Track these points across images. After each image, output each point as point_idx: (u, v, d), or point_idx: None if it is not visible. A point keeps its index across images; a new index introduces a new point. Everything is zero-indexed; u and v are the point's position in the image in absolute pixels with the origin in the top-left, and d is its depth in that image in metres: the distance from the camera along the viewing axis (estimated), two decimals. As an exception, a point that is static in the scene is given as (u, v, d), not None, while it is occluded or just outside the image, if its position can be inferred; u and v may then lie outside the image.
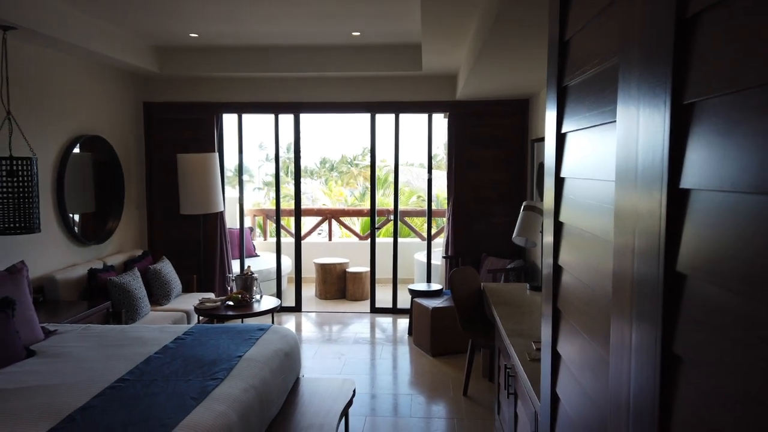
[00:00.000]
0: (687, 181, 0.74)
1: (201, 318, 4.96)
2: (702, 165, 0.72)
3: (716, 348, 0.69)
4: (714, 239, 0.69)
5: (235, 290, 5.24)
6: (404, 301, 6.20)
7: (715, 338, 0.69)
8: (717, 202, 0.69)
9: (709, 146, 0.71)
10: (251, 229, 8.01)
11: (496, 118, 5.95)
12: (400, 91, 5.99)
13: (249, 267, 5.49)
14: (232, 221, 8.36)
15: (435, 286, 5.60)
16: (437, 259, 6.59)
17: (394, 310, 6.43)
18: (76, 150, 5.09)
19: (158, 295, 5.18)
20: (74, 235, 4.84)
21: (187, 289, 5.70)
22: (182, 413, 2.19)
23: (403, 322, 6.03)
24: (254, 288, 5.23)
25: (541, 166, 5.12)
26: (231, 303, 4.97)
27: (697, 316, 0.72)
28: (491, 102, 5.88)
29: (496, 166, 5.98)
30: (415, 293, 5.46)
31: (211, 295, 5.57)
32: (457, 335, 4.90)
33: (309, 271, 7.87)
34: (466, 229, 6.02)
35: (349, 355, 5.01)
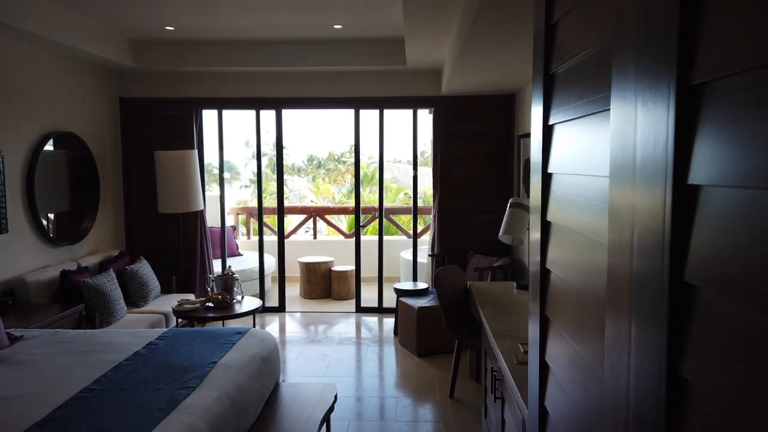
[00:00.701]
0: (696, 176, 0.63)
1: (179, 320, 4.81)
2: (715, 156, 0.60)
3: (733, 372, 0.57)
4: (730, 244, 0.58)
5: (215, 291, 5.09)
6: (390, 300, 6.09)
7: (730, 361, 0.58)
8: (733, 200, 0.58)
9: (723, 134, 0.59)
10: (234, 228, 7.85)
11: (481, 114, 5.85)
12: (384, 87, 5.87)
13: (230, 267, 5.35)
14: (216, 220, 8.20)
15: (421, 285, 5.49)
16: (423, 257, 6.49)
17: (379, 310, 6.32)
18: (49, 147, 4.91)
19: (135, 296, 5.02)
20: (46, 236, 4.67)
21: (166, 290, 5.54)
22: (149, 426, 2.06)
23: (389, 322, 5.92)
24: (235, 288, 5.09)
25: (528, 162, 5.03)
26: (211, 304, 4.82)
27: (710, 334, 0.61)
28: (477, 97, 5.77)
29: (482, 163, 5.88)
30: (400, 292, 5.35)
31: (191, 297, 5.42)
32: (443, 335, 4.80)
33: (293, 270, 7.74)
34: (452, 226, 5.91)
35: (333, 357, 4.89)
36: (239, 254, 7.61)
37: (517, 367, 2.56)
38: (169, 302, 5.10)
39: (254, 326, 5.07)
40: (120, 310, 4.56)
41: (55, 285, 4.44)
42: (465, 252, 5.80)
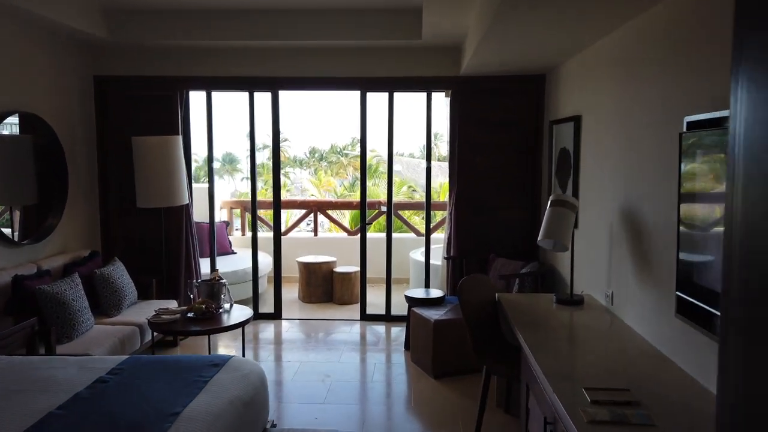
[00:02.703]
0: None
1: (155, 334, 4.12)
2: None
3: None
4: None
5: (199, 299, 4.40)
6: (399, 305, 5.39)
7: None
8: None
9: None
10: (227, 224, 7.16)
11: (506, 97, 5.13)
12: (395, 65, 5.15)
13: (216, 271, 4.65)
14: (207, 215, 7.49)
15: (435, 293, 4.79)
16: (436, 259, 5.79)
17: (387, 317, 5.62)
18: (13, 131, 4.22)
19: (107, 304, 4.33)
20: (-1, 234, 3.97)
21: (145, 296, 4.85)
22: None
23: (399, 332, 5.23)
24: (222, 296, 4.40)
25: (563, 152, 4.31)
26: (193, 315, 4.13)
27: None
28: (501, 78, 5.05)
29: (506, 153, 5.17)
30: (412, 301, 4.65)
31: (174, 304, 4.74)
32: (464, 353, 4.11)
33: (292, 270, 7.05)
34: (470, 225, 5.21)
35: (335, 377, 4.20)
36: (232, 252, 6.92)
37: (589, 428, 1.87)
38: (146, 311, 4.41)
39: (243, 340, 4.38)
40: (85, 322, 3.87)
41: (7, 293, 3.74)
42: (486, 254, 5.10)
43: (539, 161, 5.08)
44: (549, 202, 3.36)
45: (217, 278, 4.48)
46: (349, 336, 5.19)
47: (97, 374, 2.41)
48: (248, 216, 7.87)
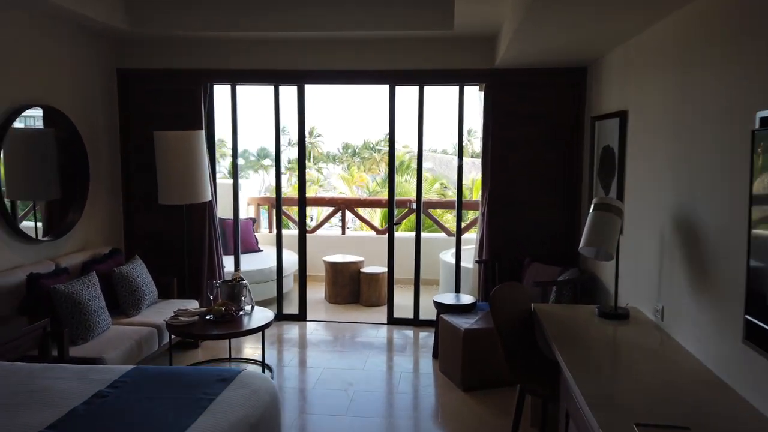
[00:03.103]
0: None
1: (173, 337, 3.97)
2: None
3: None
4: None
5: (219, 300, 4.24)
6: (428, 309, 5.14)
7: None
8: None
9: None
10: (254, 221, 7.02)
11: (544, 91, 4.81)
12: (425, 57, 4.89)
13: (238, 271, 4.49)
14: (239, 211, 7.37)
15: (466, 299, 4.53)
16: (467, 261, 5.51)
17: (415, 322, 5.38)
18: (34, 125, 4.15)
19: (126, 304, 4.21)
20: (15, 229, 3.88)
21: (166, 295, 4.72)
22: None
23: (427, 338, 4.99)
24: (243, 297, 4.23)
25: (606, 150, 3.99)
26: (211, 317, 3.97)
27: None
28: (538, 71, 4.74)
29: (543, 150, 4.86)
30: (442, 308, 4.40)
31: (194, 304, 4.60)
32: (495, 365, 3.85)
33: (319, 269, 6.87)
34: (504, 226, 4.92)
35: (358, 386, 3.99)
36: (258, 250, 6.78)
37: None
38: (166, 311, 4.28)
39: (263, 344, 4.21)
40: (101, 323, 3.75)
41: (21, 292, 3.64)
42: (520, 259, 4.81)
43: (579, 160, 4.75)
44: (592, 206, 3.06)
45: (238, 279, 4.31)
46: (374, 341, 4.97)
47: (97, 387, 2.25)
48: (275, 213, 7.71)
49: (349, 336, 5.11)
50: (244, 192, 7.61)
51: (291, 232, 7.22)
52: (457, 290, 5.27)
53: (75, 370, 2.50)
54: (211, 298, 4.22)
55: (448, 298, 4.55)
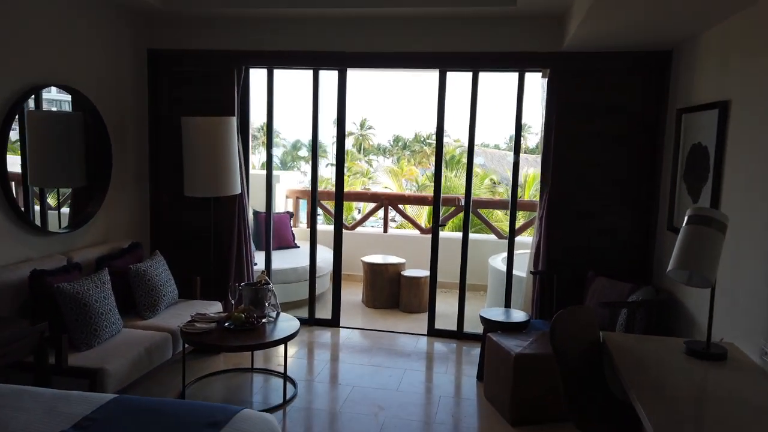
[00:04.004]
0: None
1: (186, 346, 3.59)
2: None
3: None
4: None
5: (241, 306, 3.84)
6: (473, 320, 4.60)
7: None
8: None
9: None
10: (291, 215, 6.63)
11: (618, 78, 4.17)
12: (481, 39, 4.32)
13: (263, 273, 4.07)
14: (279, 205, 7.02)
15: (518, 315, 3.97)
16: (520, 269, 4.93)
17: (459, 334, 4.85)
18: (61, 107, 3.86)
19: (142, 304, 3.86)
20: (23, 218, 3.57)
21: (189, 294, 4.37)
22: None
23: (471, 355, 4.45)
24: (267, 303, 3.81)
25: (697, 148, 3.34)
26: (230, 325, 3.56)
27: None
28: (613, 55, 4.09)
29: (615, 147, 4.21)
30: (489, 324, 3.86)
31: (217, 307, 4.21)
32: (551, 395, 3.30)
33: (357, 268, 6.41)
34: (565, 233, 4.31)
35: (390, 411, 3.50)
36: (295, 246, 6.38)
37: None
38: (185, 314, 3.91)
39: (285, 358, 3.76)
40: (109, 327, 3.39)
41: (25, 290, 3.33)
42: (582, 271, 4.20)
43: (658, 159, 4.09)
44: (686, 218, 2.45)
45: (263, 282, 3.89)
46: (412, 355, 4.47)
47: (62, 425, 1.85)
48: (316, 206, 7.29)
49: (384, 348, 4.62)
50: (284, 184, 7.20)
51: (330, 228, 6.77)
52: (507, 303, 4.69)
53: (46, 397, 2.11)
54: (233, 302, 3.81)
55: (497, 314, 3.99)
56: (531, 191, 12.47)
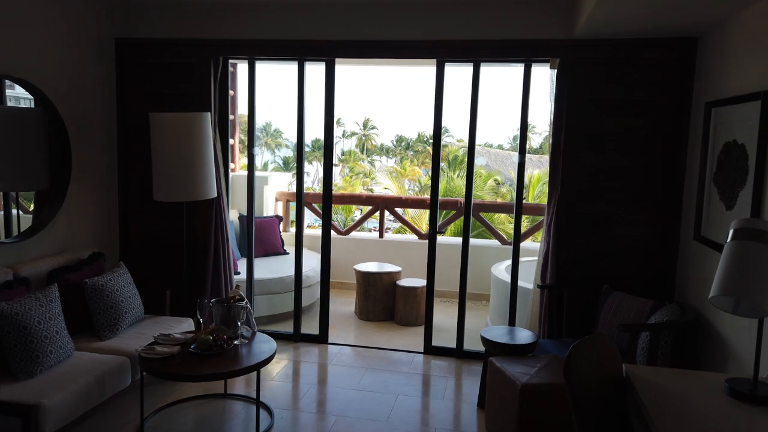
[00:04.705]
0: None
1: (145, 374, 3.15)
2: None
3: None
4: None
5: (210, 325, 3.41)
6: (473, 335, 4.16)
7: None
8: None
9: None
10: (280, 219, 6.20)
11: (637, 69, 3.71)
12: (482, 25, 3.88)
13: (237, 287, 3.63)
14: (269, 208, 6.60)
15: (523, 336, 3.52)
16: (526, 280, 4.49)
17: (458, 352, 4.40)
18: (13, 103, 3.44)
19: (100, 323, 3.43)
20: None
21: (159, 310, 3.94)
22: None
23: (471, 377, 4.01)
24: (240, 322, 3.37)
25: (731, 147, 2.89)
26: (195, 349, 3.12)
27: None
28: (631, 43, 3.65)
29: (633, 146, 3.76)
30: (491, 346, 3.41)
31: (188, 324, 3.78)
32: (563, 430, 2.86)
33: (350, 275, 5.98)
34: (577, 242, 3.87)
35: (378, 448, 3.06)
36: (284, 252, 5.95)
37: None
38: (151, 332, 3.49)
39: (258, 387, 3.31)
40: (56, 352, 2.96)
41: (-43, 309, 2.90)
42: (596, 285, 3.75)
43: (683, 160, 3.63)
44: (730, 233, 2.00)
45: (236, 297, 3.46)
46: (406, 377, 4.02)
47: None
48: (306, 210, 6.85)
49: (375, 368, 4.18)
50: (274, 186, 6.77)
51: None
52: (512, 319, 4.24)
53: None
54: (201, 321, 3.37)
55: (500, 334, 3.54)
56: (535, 192, 12.04)
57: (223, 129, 4.42)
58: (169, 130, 3.86)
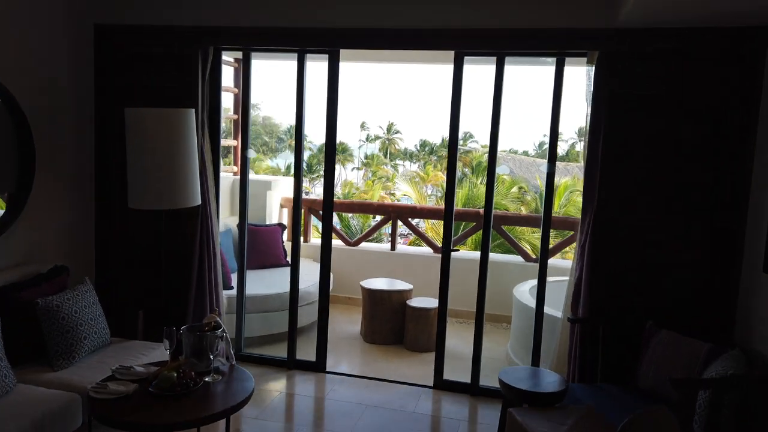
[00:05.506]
0: None
1: (92, 419, 2.65)
2: None
3: None
4: None
5: (180, 357, 2.91)
6: (492, 367, 3.59)
7: None
8: None
9: None
10: (283, 228, 5.70)
11: (695, 65, 3.12)
12: (508, 11, 3.32)
13: (214, 312, 3.12)
14: (274, 215, 6.11)
15: (549, 380, 2.95)
16: (554, 305, 3.90)
17: (473, 388, 3.83)
18: None
19: (54, 350, 2.96)
20: None
21: (130, 333, 3.47)
22: None
23: (488, 421, 3.43)
24: (213, 355, 2.85)
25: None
26: (155, 389, 2.62)
27: None
28: (685, 32, 3.06)
29: (686, 158, 3.17)
30: (511, 393, 2.85)
31: (159, 352, 3.28)
32: None
33: (358, 291, 5.44)
34: (616, 268, 3.28)
35: None
36: (286, 264, 5.43)
37: None
38: (115, 361, 3.01)
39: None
40: (-9, 387, 2.49)
41: None
42: (638, 320, 3.15)
43: (747, 174, 3.02)
44: None
45: (211, 324, 2.94)
46: (411, 419, 3.46)
47: None
48: (314, 218, 6.35)
49: (377, 406, 3.63)
50: (280, 191, 6.27)
51: (336, 244, 5.79)
52: (536, 355, 3.66)
53: None
54: (168, 352, 2.87)
55: (522, 377, 2.97)
56: (561, 201, 11.38)
57: (214, 128, 3.94)
58: (145, 127, 3.37)
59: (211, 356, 2.84)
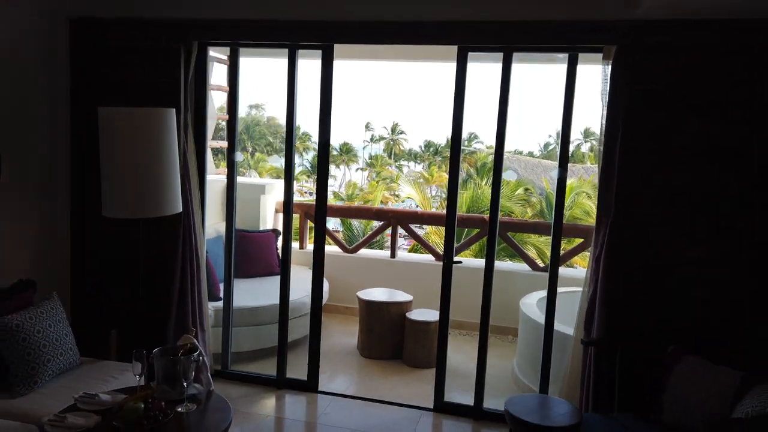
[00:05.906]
0: None
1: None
2: None
3: None
4: None
5: (151, 384, 2.62)
6: (496, 384, 3.28)
7: None
8: None
9: None
10: (277, 234, 5.42)
11: (725, 59, 2.81)
12: (515, 3, 3.03)
13: (191, 333, 2.83)
14: (268, 221, 5.83)
15: (560, 411, 2.65)
16: (564, 321, 3.60)
17: (476, 412, 3.54)
18: None
19: (14, 375, 2.68)
20: None
21: (103, 353, 3.19)
22: None
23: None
24: (187, 383, 2.56)
25: None
26: (119, 423, 2.33)
27: None
28: (713, 24, 2.76)
29: (717, 164, 2.86)
30: (517, 425, 2.55)
31: (134, 372, 2.99)
32: None
33: (352, 300, 5.14)
34: (635, 286, 2.97)
35: None
36: (278, 273, 5.14)
37: None
38: (82, 386, 2.73)
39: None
40: (-67, 422, 2.21)
41: None
42: (660, 345, 2.84)
43: (783, 181, 2.72)
44: None
45: (187, 347, 2.66)
46: (409, 446, 3.18)
47: None
48: (309, 223, 6.06)
49: (374, 429, 3.34)
50: (275, 195, 5.99)
51: (329, 250, 5.52)
52: (545, 379, 3.35)
53: None
54: (138, 378, 2.58)
55: (529, 407, 2.68)
56: (566, 204, 11.07)
57: (200, 129, 3.66)
58: (120, 128, 3.09)
59: (185, 383, 2.55)
